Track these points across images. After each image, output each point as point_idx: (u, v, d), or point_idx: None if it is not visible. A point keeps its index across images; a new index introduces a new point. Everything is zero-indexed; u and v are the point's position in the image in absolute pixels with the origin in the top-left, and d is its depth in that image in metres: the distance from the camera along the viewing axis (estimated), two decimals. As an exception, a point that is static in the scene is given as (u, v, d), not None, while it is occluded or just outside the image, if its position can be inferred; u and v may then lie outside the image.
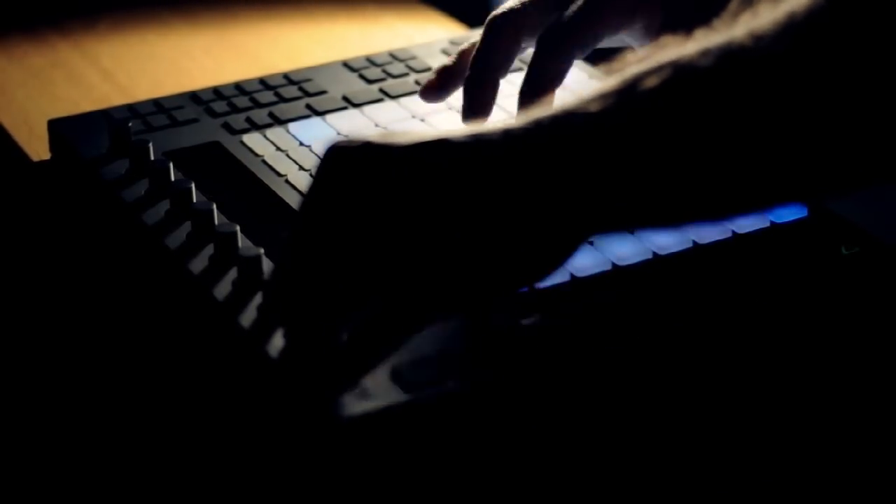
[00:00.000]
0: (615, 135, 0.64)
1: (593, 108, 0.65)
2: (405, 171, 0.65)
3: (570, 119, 0.65)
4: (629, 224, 0.68)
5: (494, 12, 0.85)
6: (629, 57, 0.67)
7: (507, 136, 0.65)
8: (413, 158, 0.66)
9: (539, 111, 0.66)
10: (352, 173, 0.66)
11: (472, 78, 0.84)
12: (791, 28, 0.63)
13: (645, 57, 0.66)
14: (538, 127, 0.65)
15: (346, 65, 0.99)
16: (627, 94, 0.64)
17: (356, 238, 0.66)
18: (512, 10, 0.84)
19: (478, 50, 0.85)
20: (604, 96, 0.65)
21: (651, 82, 0.64)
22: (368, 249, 0.66)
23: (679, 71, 0.64)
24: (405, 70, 0.97)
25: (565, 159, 0.64)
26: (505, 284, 0.67)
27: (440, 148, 0.66)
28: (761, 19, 0.64)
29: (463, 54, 0.88)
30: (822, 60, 0.63)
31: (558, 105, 0.66)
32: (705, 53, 0.64)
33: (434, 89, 0.88)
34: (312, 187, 0.67)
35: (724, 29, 0.65)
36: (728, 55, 0.64)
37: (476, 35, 1.01)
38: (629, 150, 0.64)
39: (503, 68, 0.84)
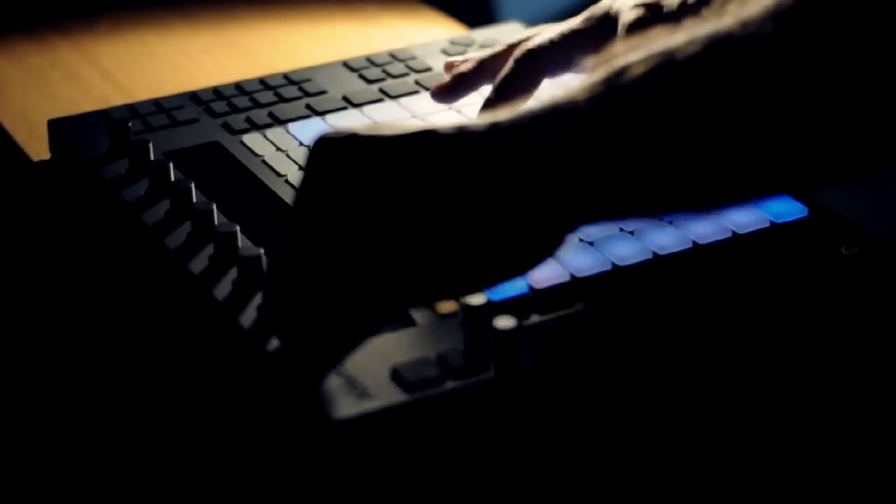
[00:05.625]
0: (603, 123, 0.64)
1: (581, 98, 0.65)
2: (391, 162, 0.65)
3: (558, 110, 0.65)
4: (617, 214, 0.67)
5: (526, 45, 0.86)
6: (617, 48, 0.67)
7: (494, 128, 0.65)
8: (399, 149, 0.66)
9: (527, 105, 0.66)
10: (339, 165, 0.66)
11: (495, 102, 0.85)
12: (779, 14, 0.63)
13: (632, 48, 0.65)
14: (525, 119, 0.65)
15: (346, 65, 0.99)
16: (614, 83, 0.64)
17: (345, 229, 0.66)
18: (542, 48, 0.85)
19: (505, 76, 0.85)
20: (591, 86, 0.65)
21: (638, 70, 0.64)
22: (356, 240, 0.66)
23: (666, 59, 0.64)
24: (405, 70, 0.97)
25: (552, 149, 0.64)
26: (493, 275, 0.67)
27: (426, 139, 0.66)
28: (749, 8, 0.64)
29: (481, 65, 0.89)
30: (810, 45, 0.63)
31: (546, 98, 0.66)
32: (692, 41, 0.64)
33: (446, 92, 0.89)
34: (302, 181, 0.67)
35: (712, 19, 0.65)
36: (715, 42, 0.64)
37: (478, 35, 1.01)
38: (616, 138, 0.64)
39: (528, 95, 0.86)
